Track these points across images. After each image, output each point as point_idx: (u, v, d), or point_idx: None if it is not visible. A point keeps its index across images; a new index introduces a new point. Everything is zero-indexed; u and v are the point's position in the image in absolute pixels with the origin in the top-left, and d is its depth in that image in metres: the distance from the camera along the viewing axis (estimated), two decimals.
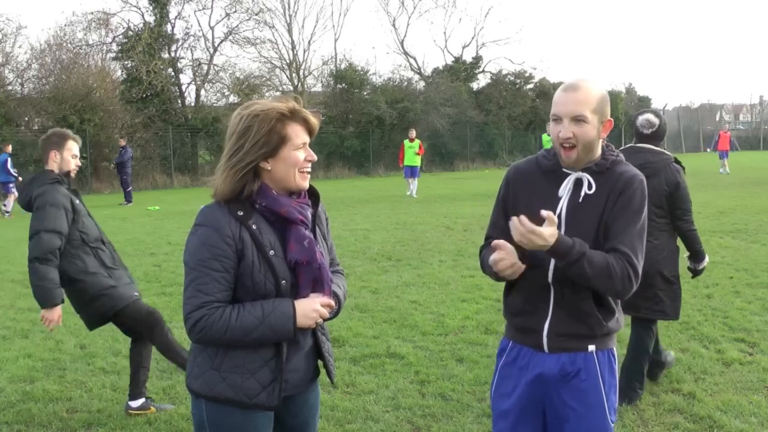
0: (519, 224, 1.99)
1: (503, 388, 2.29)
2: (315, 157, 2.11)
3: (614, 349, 2.25)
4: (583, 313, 2.14)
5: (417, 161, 18.74)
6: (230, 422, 2.07)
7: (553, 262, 2.13)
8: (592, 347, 2.17)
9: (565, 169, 2.17)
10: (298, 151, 2.06)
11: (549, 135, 2.29)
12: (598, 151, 2.18)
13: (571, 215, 2.11)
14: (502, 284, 2.36)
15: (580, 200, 2.13)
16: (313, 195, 2.20)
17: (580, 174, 2.14)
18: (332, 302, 2.10)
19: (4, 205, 17.40)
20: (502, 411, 2.29)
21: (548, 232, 1.98)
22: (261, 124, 2.00)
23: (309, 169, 2.11)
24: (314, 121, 2.10)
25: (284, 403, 2.13)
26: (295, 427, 2.26)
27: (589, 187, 2.12)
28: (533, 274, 2.17)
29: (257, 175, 2.05)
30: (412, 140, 18.80)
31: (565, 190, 2.15)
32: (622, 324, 2.26)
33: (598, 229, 2.11)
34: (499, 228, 2.28)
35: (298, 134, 2.06)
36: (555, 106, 2.13)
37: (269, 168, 2.04)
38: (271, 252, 2.02)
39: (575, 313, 2.15)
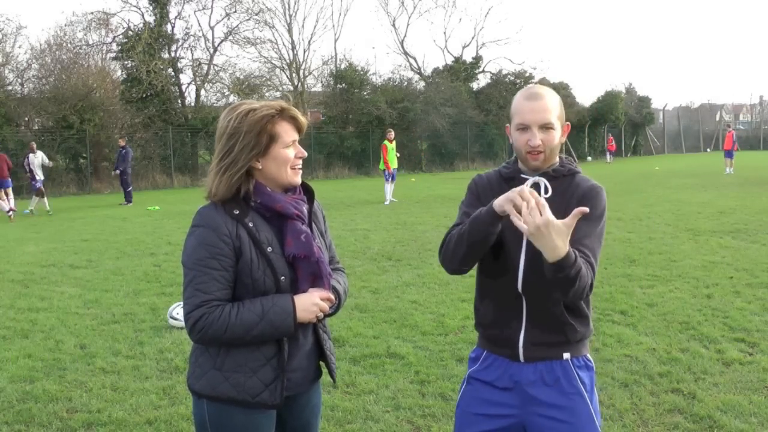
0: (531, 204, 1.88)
1: (474, 393, 2.24)
2: (305, 154, 2.13)
3: (588, 355, 2.25)
4: (556, 320, 2.14)
5: (396, 163, 18.06)
6: (232, 423, 2.06)
7: (522, 270, 2.12)
8: (567, 355, 2.17)
9: (523, 175, 2.20)
10: (288, 149, 2.08)
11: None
12: (556, 158, 2.22)
13: None
14: None
15: None
16: (307, 191, 2.21)
17: (537, 178, 2.17)
18: (332, 296, 2.11)
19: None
20: (471, 417, 2.23)
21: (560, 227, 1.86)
22: (250, 125, 2.02)
23: (300, 166, 2.13)
24: (302, 119, 2.12)
25: (286, 403, 2.13)
26: (297, 428, 2.26)
27: (546, 190, 2.14)
28: (503, 285, 2.17)
29: (250, 174, 2.07)
30: (391, 141, 17.94)
31: None
32: (592, 329, 2.26)
33: None
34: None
35: (287, 132, 2.08)
36: (521, 115, 2.12)
37: (260, 167, 2.07)
38: (269, 249, 2.04)
39: (549, 322, 2.14)
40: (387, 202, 17.34)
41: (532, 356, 2.17)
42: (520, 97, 2.16)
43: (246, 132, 2.01)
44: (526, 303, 2.16)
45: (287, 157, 2.08)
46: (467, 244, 2.08)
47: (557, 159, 2.22)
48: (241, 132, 2.01)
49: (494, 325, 2.23)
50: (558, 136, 2.15)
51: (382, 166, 17.83)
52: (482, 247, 2.09)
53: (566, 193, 2.15)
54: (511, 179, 2.22)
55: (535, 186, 2.16)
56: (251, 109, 2.04)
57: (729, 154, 26.12)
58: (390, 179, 17.70)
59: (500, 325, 2.21)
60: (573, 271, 1.90)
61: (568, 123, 2.21)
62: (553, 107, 2.13)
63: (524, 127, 2.13)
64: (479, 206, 2.15)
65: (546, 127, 2.11)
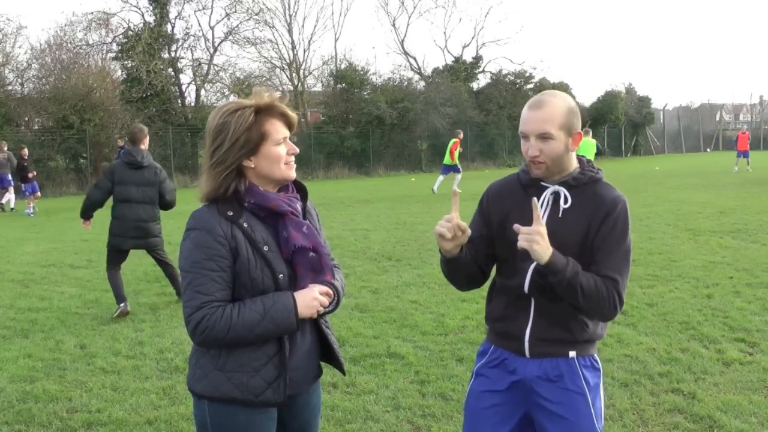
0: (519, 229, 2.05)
1: (482, 387, 2.27)
2: (297, 150, 2.12)
3: (596, 356, 2.24)
4: (564, 318, 2.14)
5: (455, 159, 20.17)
6: (234, 423, 2.06)
7: (530, 273, 2.14)
8: (572, 353, 2.17)
9: (543, 183, 2.18)
10: (279, 147, 2.07)
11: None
12: (574, 164, 2.18)
13: (551, 230, 2.10)
14: None
15: (560, 215, 2.14)
16: (300, 189, 2.22)
17: (557, 188, 2.15)
18: (330, 291, 2.11)
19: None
20: (479, 411, 2.26)
21: (541, 230, 2.02)
22: (238, 121, 2.00)
23: (293, 161, 2.13)
24: (293, 114, 2.11)
25: (286, 403, 2.13)
26: (297, 428, 2.26)
27: (565, 200, 2.13)
28: (511, 285, 2.19)
29: (242, 174, 2.06)
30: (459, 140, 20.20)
31: (543, 202, 2.16)
32: (604, 333, 2.26)
33: (581, 249, 2.11)
34: (472, 240, 2.29)
35: (277, 129, 2.06)
36: (522, 125, 2.14)
37: (253, 166, 2.06)
38: (265, 248, 2.04)
39: (557, 319, 2.15)
40: (436, 190, 19.28)
41: (537, 352, 2.17)
42: (525, 106, 2.16)
43: (234, 130, 2.00)
44: (535, 301, 2.18)
45: (279, 155, 2.06)
46: (449, 278, 2.31)
47: (575, 166, 2.18)
48: (229, 130, 2.00)
49: (503, 319, 2.25)
50: (561, 146, 2.10)
51: (447, 160, 19.92)
52: (462, 273, 2.26)
53: (589, 203, 2.13)
54: (530, 186, 2.20)
55: (555, 195, 2.16)
56: (239, 107, 2.03)
57: (745, 153, 26.57)
58: (450, 172, 19.76)
59: (508, 320, 2.23)
60: (565, 277, 2.00)
61: (579, 132, 2.15)
62: (553, 116, 2.08)
63: (524, 136, 2.15)
64: (483, 218, 2.29)
65: (544, 137, 2.08)
